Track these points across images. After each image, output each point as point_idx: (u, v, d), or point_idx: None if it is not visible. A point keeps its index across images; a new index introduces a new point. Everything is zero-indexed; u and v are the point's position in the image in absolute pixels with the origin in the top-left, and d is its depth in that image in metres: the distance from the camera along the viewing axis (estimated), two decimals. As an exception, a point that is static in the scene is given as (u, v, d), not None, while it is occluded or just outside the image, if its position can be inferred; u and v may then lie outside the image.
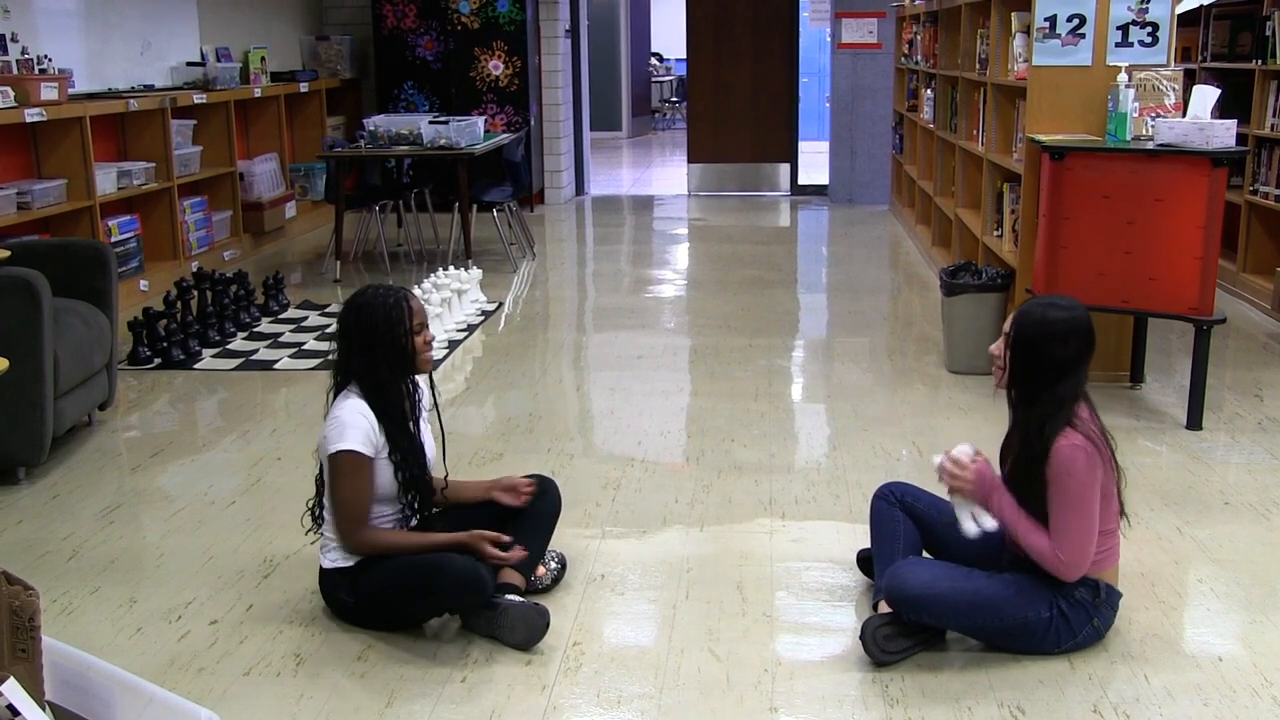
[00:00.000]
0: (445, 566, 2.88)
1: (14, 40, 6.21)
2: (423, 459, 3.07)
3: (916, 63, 8.78)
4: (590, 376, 5.46)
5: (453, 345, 5.81)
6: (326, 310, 6.55)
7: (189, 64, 8.08)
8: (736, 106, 11.31)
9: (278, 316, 6.42)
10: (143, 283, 6.89)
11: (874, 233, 9.23)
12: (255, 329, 6.13)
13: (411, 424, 3.06)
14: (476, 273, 6.71)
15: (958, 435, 4.40)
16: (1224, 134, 4.27)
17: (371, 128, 7.64)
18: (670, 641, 2.93)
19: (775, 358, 5.58)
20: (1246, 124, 6.44)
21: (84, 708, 2.18)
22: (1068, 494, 2.74)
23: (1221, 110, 5.30)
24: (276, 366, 5.48)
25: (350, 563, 2.98)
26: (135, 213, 7.07)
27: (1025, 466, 2.82)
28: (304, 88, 9.20)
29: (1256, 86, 6.48)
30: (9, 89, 5.84)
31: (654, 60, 19.47)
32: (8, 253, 4.24)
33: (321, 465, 3.01)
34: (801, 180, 11.41)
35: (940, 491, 3.03)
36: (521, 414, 4.79)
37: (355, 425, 2.93)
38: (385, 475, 2.99)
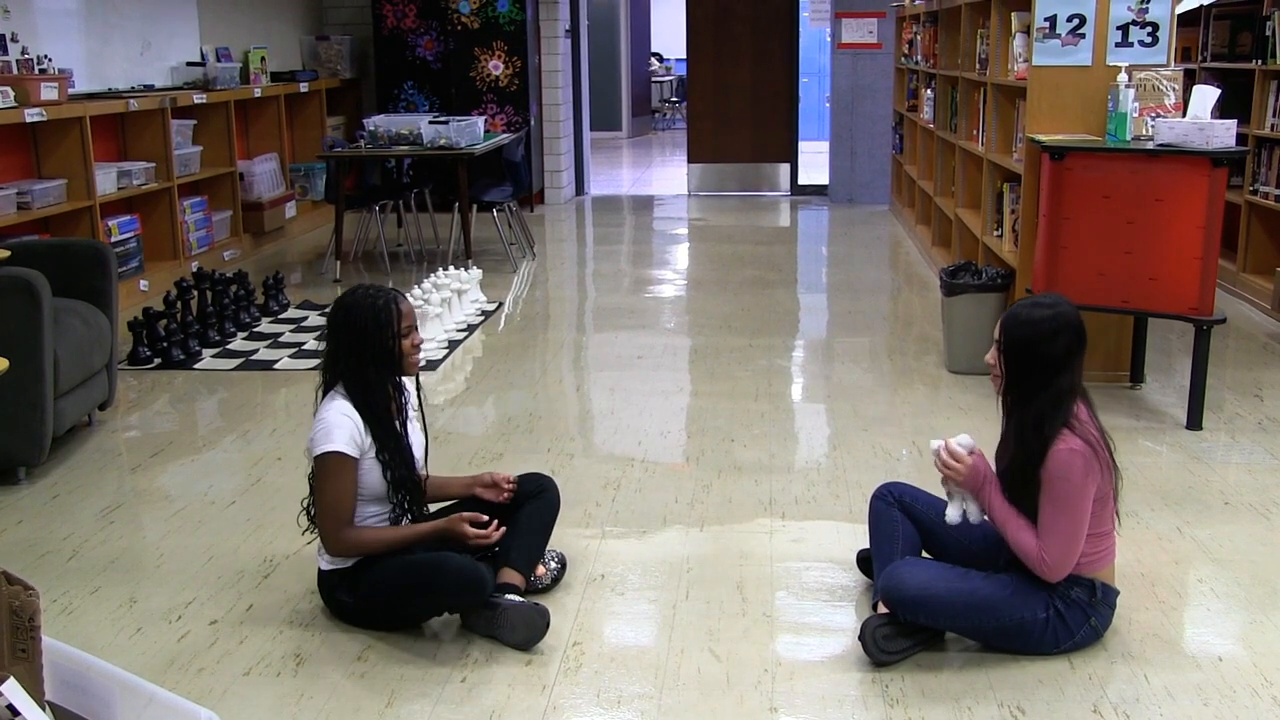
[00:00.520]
0: (444, 565, 2.88)
1: (14, 40, 6.21)
2: (410, 458, 3.07)
3: (916, 63, 8.78)
4: (590, 376, 5.46)
5: (453, 345, 5.81)
6: (326, 310, 6.53)
7: (189, 64, 8.08)
8: (736, 106, 11.31)
9: (278, 316, 6.42)
10: (143, 283, 6.89)
11: (874, 233, 9.23)
12: (255, 329, 6.13)
13: (399, 424, 3.05)
14: (476, 273, 6.72)
15: (959, 435, 4.40)
16: (1224, 134, 4.27)
17: (371, 128, 7.64)
18: (670, 641, 2.93)
19: (775, 358, 5.58)
20: (1246, 124, 6.44)
21: (84, 708, 2.18)
22: (1060, 497, 2.74)
23: (1221, 110, 5.30)
24: (276, 366, 5.48)
25: (349, 564, 2.98)
26: (135, 213, 7.07)
27: (1021, 466, 2.82)
28: (304, 88, 9.20)
29: (1256, 86, 6.48)
30: (9, 89, 5.84)
31: (654, 60, 19.47)
32: (8, 253, 4.24)
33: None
34: (801, 180, 11.41)
35: (939, 491, 3.04)
36: (521, 414, 4.79)
37: (340, 426, 2.93)
38: (373, 475, 2.98)
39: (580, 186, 11.56)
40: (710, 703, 2.67)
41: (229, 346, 5.80)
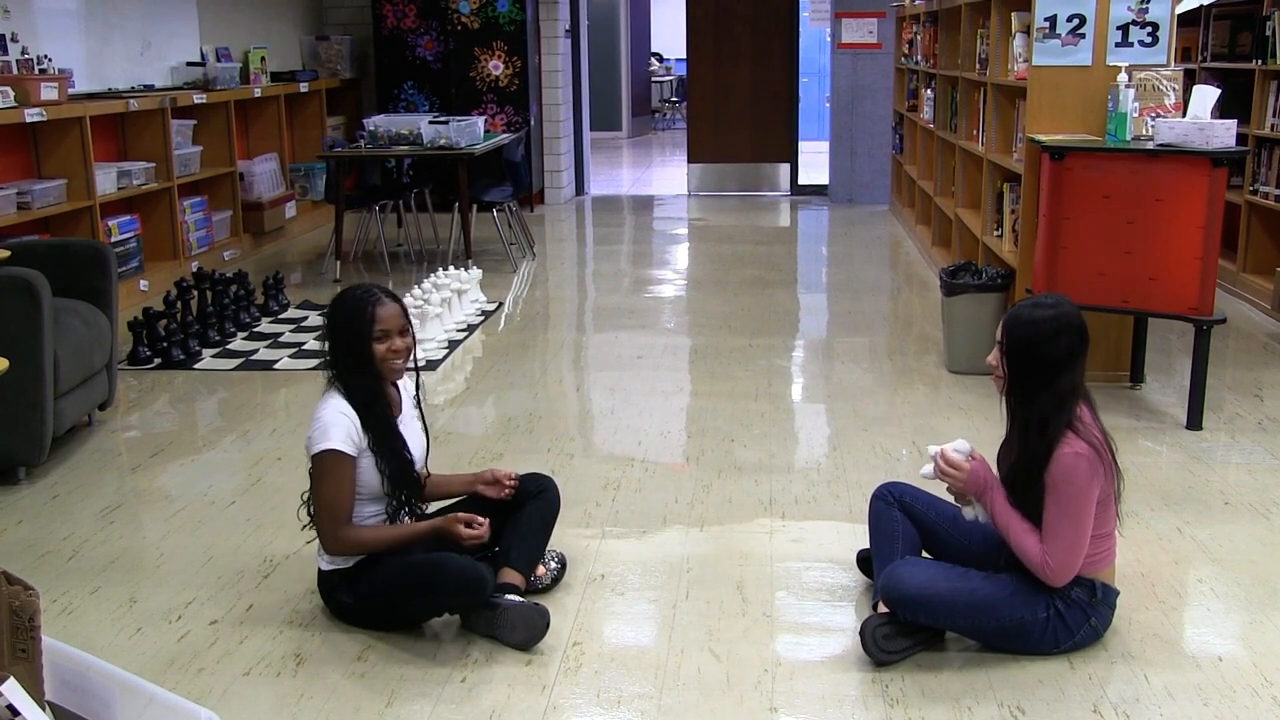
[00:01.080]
0: (444, 566, 2.88)
1: (14, 40, 6.21)
2: (409, 457, 3.06)
3: (916, 63, 8.78)
4: (590, 376, 5.46)
5: (453, 345, 5.81)
6: (326, 310, 6.54)
7: (189, 64, 8.08)
8: (736, 106, 11.31)
9: (278, 316, 6.42)
10: (143, 283, 6.89)
11: (874, 233, 9.23)
12: (255, 329, 6.13)
13: (395, 422, 3.05)
14: (476, 273, 6.71)
15: (957, 435, 4.40)
16: (1224, 134, 4.27)
17: (371, 128, 7.64)
18: (670, 641, 2.93)
19: (775, 358, 5.58)
20: (1246, 124, 6.44)
21: (84, 708, 2.18)
22: (1065, 501, 2.74)
23: (1221, 110, 5.30)
24: (276, 366, 5.48)
25: (349, 564, 2.98)
26: (135, 213, 7.07)
27: (1025, 468, 2.82)
28: (304, 88, 9.20)
29: (1256, 86, 6.48)
30: (9, 89, 5.84)
31: (654, 60, 19.47)
32: (8, 253, 4.24)
33: None
34: (801, 180, 11.41)
35: (938, 490, 3.04)
36: (521, 414, 4.79)
37: (336, 424, 2.92)
38: (371, 473, 2.98)
39: (580, 186, 11.56)
40: (710, 703, 2.67)
41: (229, 346, 5.80)
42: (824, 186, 11.09)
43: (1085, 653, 2.84)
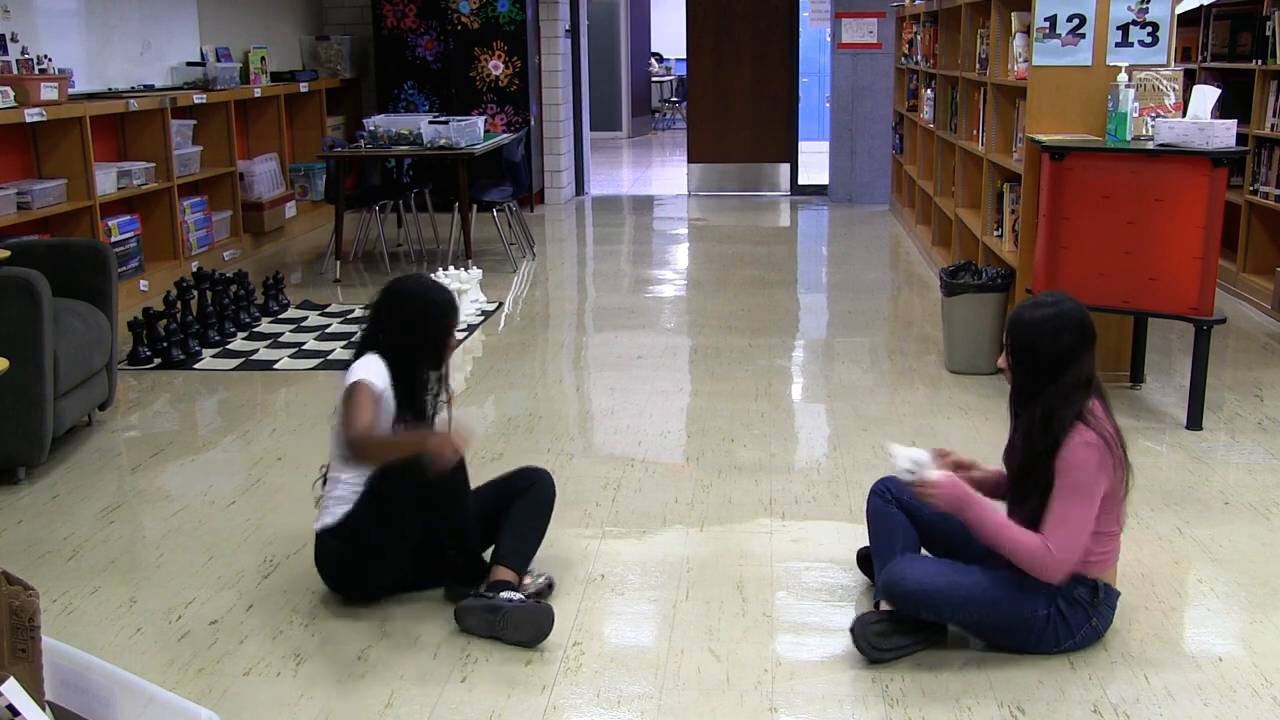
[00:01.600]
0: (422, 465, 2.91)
1: (14, 40, 6.21)
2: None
3: (916, 63, 8.78)
4: (590, 376, 5.46)
5: (453, 345, 5.81)
6: (326, 310, 6.55)
7: (189, 64, 8.07)
8: (736, 106, 11.31)
9: (278, 316, 6.42)
10: (143, 283, 6.89)
11: (874, 233, 9.23)
12: (255, 329, 6.13)
13: (430, 412, 3.13)
14: (476, 273, 6.71)
15: (958, 435, 4.41)
16: (1224, 134, 4.27)
17: (371, 128, 7.64)
18: (670, 641, 2.93)
19: (775, 358, 5.58)
20: (1246, 124, 6.44)
21: (84, 708, 2.18)
22: (1071, 488, 2.72)
23: (1221, 110, 5.30)
24: (276, 366, 5.48)
25: (338, 518, 3.01)
26: (135, 213, 7.07)
27: (1031, 464, 2.81)
28: (304, 88, 9.20)
29: (1256, 86, 6.48)
30: (9, 89, 5.84)
31: (654, 60, 19.47)
32: (8, 253, 4.24)
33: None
34: (801, 180, 11.41)
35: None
36: (521, 414, 4.79)
37: (375, 375, 3.00)
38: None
39: (580, 186, 11.56)
40: (710, 703, 2.67)
41: (229, 346, 5.79)
42: (824, 186, 11.09)
43: (1085, 653, 2.84)
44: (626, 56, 17.31)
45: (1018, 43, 5.42)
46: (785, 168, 11.42)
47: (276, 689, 2.74)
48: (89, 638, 2.97)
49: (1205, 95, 4.42)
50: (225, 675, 2.80)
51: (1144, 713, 2.61)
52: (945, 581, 2.82)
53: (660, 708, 2.65)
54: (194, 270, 6.15)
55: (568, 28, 10.72)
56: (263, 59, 8.72)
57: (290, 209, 9.00)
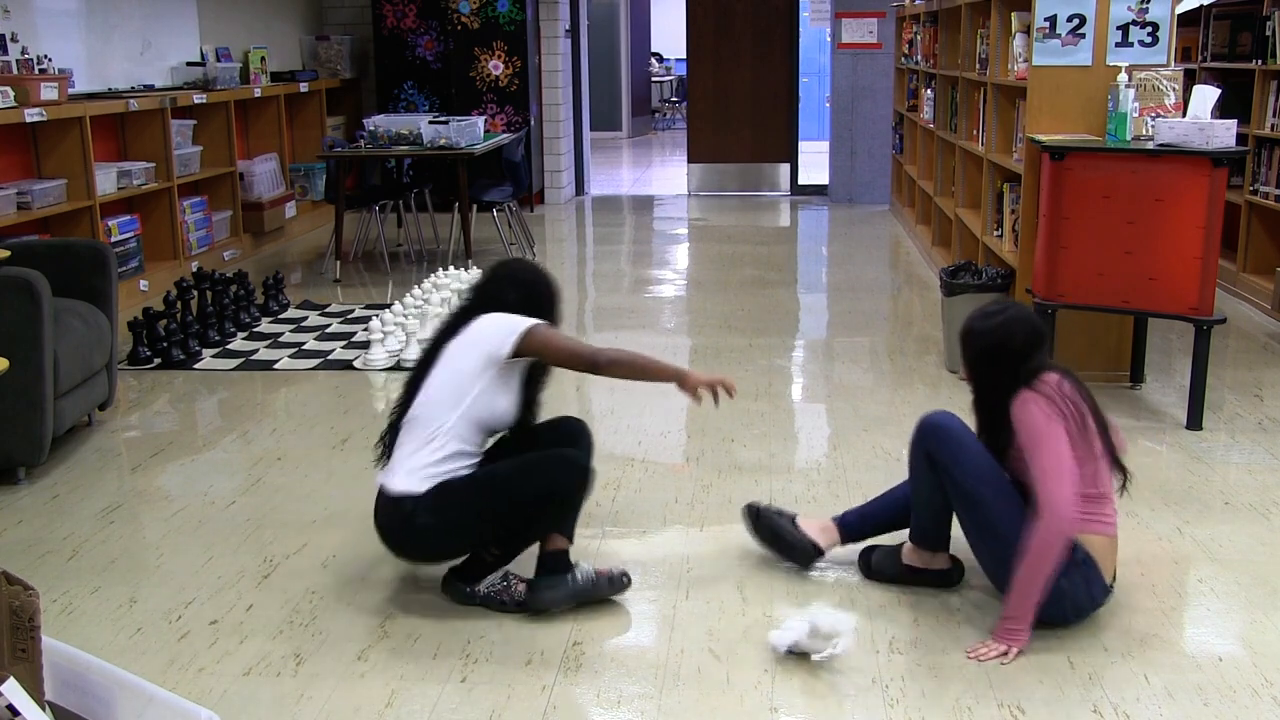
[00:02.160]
0: (548, 455, 3.04)
1: (14, 40, 6.21)
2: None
3: (916, 63, 8.78)
4: (590, 376, 5.45)
5: (453, 345, 5.80)
6: (326, 310, 6.55)
7: (189, 64, 8.08)
8: (736, 106, 11.31)
9: (278, 316, 6.42)
10: (143, 283, 6.89)
11: (874, 233, 9.23)
12: (255, 329, 6.13)
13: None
14: (477, 273, 6.71)
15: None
16: (1224, 134, 4.27)
17: (371, 128, 7.64)
18: (670, 641, 2.93)
19: (775, 358, 5.58)
20: (1246, 124, 6.44)
21: (84, 708, 2.18)
22: (1031, 441, 2.81)
23: (1221, 110, 5.30)
24: (276, 366, 5.48)
25: (421, 489, 2.94)
26: (135, 213, 7.08)
27: (994, 444, 2.94)
28: (304, 88, 9.20)
29: (1256, 86, 6.48)
30: (9, 89, 5.84)
31: (654, 60, 19.47)
32: (8, 253, 4.24)
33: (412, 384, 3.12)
34: (801, 180, 11.42)
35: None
36: (521, 414, 4.78)
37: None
38: (502, 403, 3.05)
39: (580, 186, 11.56)
40: (710, 703, 2.67)
41: (229, 346, 5.80)
42: (824, 186, 11.09)
43: (1085, 653, 2.84)
44: (626, 56, 17.31)
45: (1018, 43, 5.42)
46: (785, 168, 11.43)
47: (276, 689, 2.74)
48: (89, 638, 2.97)
49: (1205, 95, 4.42)
50: (225, 675, 2.80)
51: (1144, 713, 2.61)
52: (975, 450, 2.92)
53: (660, 708, 2.65)
54: (194, 270, 6.15)
55: (568, 28, 10.73)
56: (263, 59, 8.72)
57: (290, 209, 9.00)
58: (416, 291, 6.03)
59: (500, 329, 3.02)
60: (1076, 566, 2.84)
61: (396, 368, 5.43)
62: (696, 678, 2.77)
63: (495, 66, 10.05)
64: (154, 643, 2.96)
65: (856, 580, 3.24)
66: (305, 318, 6.40)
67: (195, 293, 5.81)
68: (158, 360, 5.50)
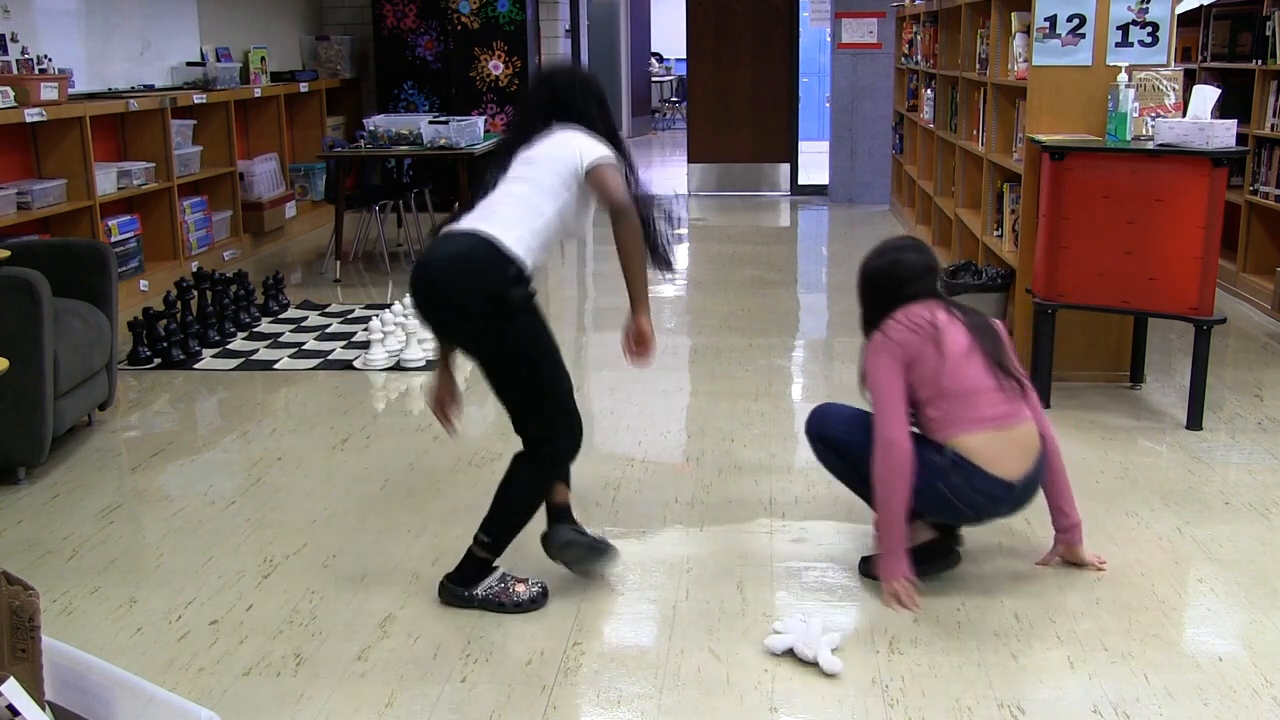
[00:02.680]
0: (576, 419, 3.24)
1: (14, 40, 6.21)
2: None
3: (916, 63, 8.78)
4: (590, 376, 5.46)
5: (453, 345, 5.80)
6: (326, 310, 6.55)
7: (189, 64, 8.08)
8: (736, 106, 11.31)
9: (278, 316, 6.42)
10: (143, 283, 6.89)
11: (874, 233, 9.22)
12: (255, 329, 6.13)
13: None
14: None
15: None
16: (1224, 134, 4.27)
17: (371, 128, 7.64)
18: (670, 641, 2.93)
19: (775, 358, 5.58)
20: (1246, 124, 6.44)
21: (84, 708, 2.18)
22: (868, 385, 3.07)
23: (1221, 110, 5.30)
24: (276, 366, 5.48)
25: (530, 266, 2.97)
26: (135, 213, 7.08)
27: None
28: (304, 88, 9.20)
29: (1256, 86, 6.48)
30: (9, 89, 5.84)
31: (654, 60, 19.46)
32: (8, 253, 4.24)
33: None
34: (801, 180, 11.41)
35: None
36: (521, 414, 4.78)
37: (602, 148, 3.10)
38: (585, 218, 3.18)
39: (580, 186, 11.54)
40: (710, 703, 2.67)
41: (229, 346, 5.80)
42: (824, 186, 11.09)
43: (1085, 652, 2.84)
44: (626, 56, 17.31)
45: (1018, 43, 5.42)
46: (785, 168, 11.42)
47: (276, 689, 2.74)
48: (89, 638, 2.97)
49: (1205, 95, 4.42)
50: (225, 675, 2.80)
51: (1144, 713, 2.61)
52: (853, 423, 3.17)
53: (660, 708, 2.65)
54: (194, 270, 6.15)
55: (568, 28, 10.73)
56: (263, 59, 8.72)
57: (290, 209, 9.00)
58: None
59: (582, 149, 3.09)
60: (952, 468, 2.97)
61: (396, 367, 5.43)
62: (696, 678, 2.77)
63: (495, 66, 10.05)
64: (154, 643, 2.96)
65: (856, 580, 3.24)
66: (305, 318, 6.40)
67: (195, 293, 5.81)
68: (158, 360, 5.50)
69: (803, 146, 11.53)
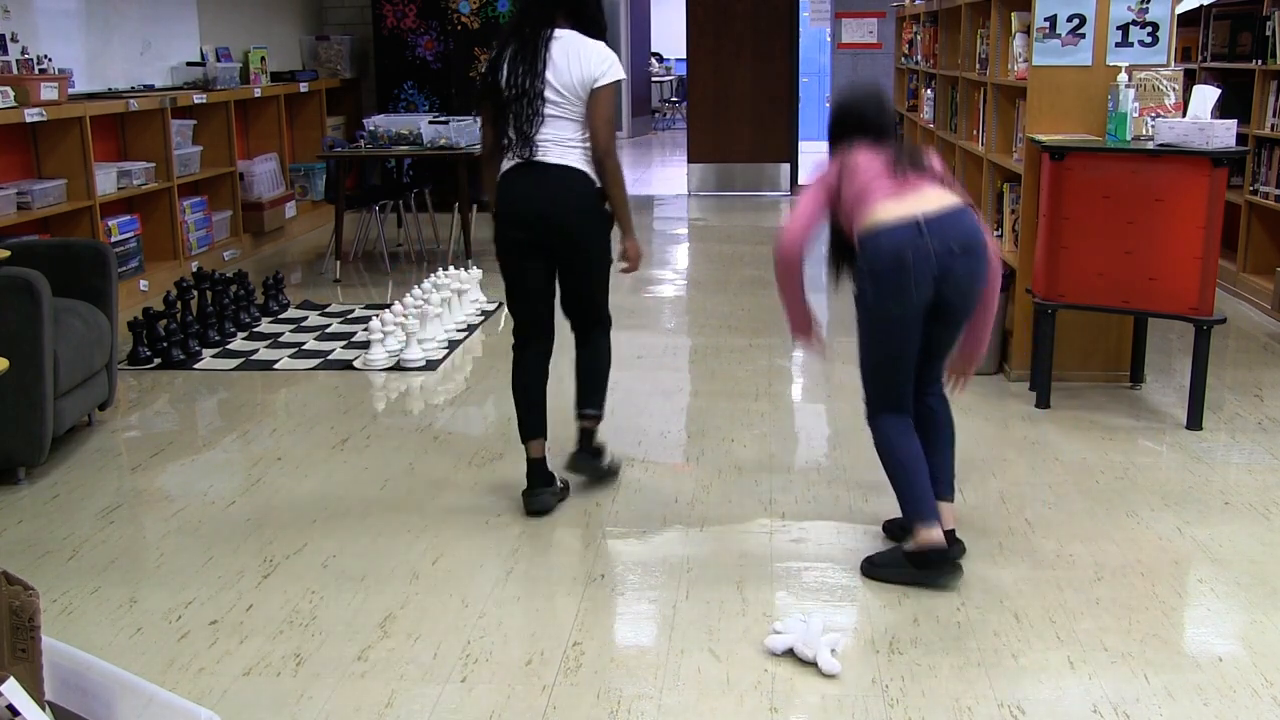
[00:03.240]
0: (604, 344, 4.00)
1: (14, 40, 6.21)
2: None
3: (916, 63, 8.78)
4: (590, 376, 5.46)
5: (453, 345, 5.81)
6: (326, 310, 6.55)
7: (189, 64, 8.08)
8: (736, 106, 11.31)
9: (278, 316, 6.42)
10: (143, 283, 6.89)
11: (874, 233, 9.21)
12: (255, 329, 6.13)
13: None
14: (477, 273, 6.71)
15: (958, 434, 4.39)
16: (1224, 134, 4.27)
17: (371, 128, 7.65)
18: (670, 641, 2.93)
19: (775, 357, 5.58)
20: (1246, 124, 6.44)
21: (84, 708, 2.18)
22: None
23: (1221, 110, 5.30)
24: (276, 366, 5.48)
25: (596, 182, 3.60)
26: (135, 213, 7.08)
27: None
28: (304, 88, 9.20)
29: (1256, 86, 6.48)
30: (9, 89, 5.84)
31: (654, 60, 19.47)
32: (8, 253, 4.24)
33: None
34: (801, 180, 11.40)
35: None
36: (521, 414, 4.78)
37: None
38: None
39: (580, 186, 11.55)
40: (710, 703, 2.67)
41: (229, 346, 5.80)
42: (824, 186, 11.07)
43: (1085, 652, 2.84)
44: (626, 56, 17.29)
45: (1018, 43, 5.41)
46: (785, 168, 11.42)
47: (276, 689, 2.74)
48: (89, 638, 2.97)
49: (1205, 95, 4.42)
50: (225, 675, 2.80)
51: (1144, 713, 2.61)
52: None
53: (660, 708, 2.65)
54: (194, 270, 6.15)
55: (568, 28, 10.72)
56: (263, 59, 8.72)
57: (290, 209, 9.00)
58: (416, 291, 6.03)
59: (607, 69, 3.66)
60: (862, 255, 3.32)
61: (396, 368, 5.43)
62: (696, 678, 2.77)
63: (495, 66, 10.04)
64: (154, 643, 2.96)
65: (857, 581, 3.24)
66: (305, 318, 6.40)
67: (195, 293, 5.81)
68: (158, 360, 5.50)
69: (803, 146, 11.53)
